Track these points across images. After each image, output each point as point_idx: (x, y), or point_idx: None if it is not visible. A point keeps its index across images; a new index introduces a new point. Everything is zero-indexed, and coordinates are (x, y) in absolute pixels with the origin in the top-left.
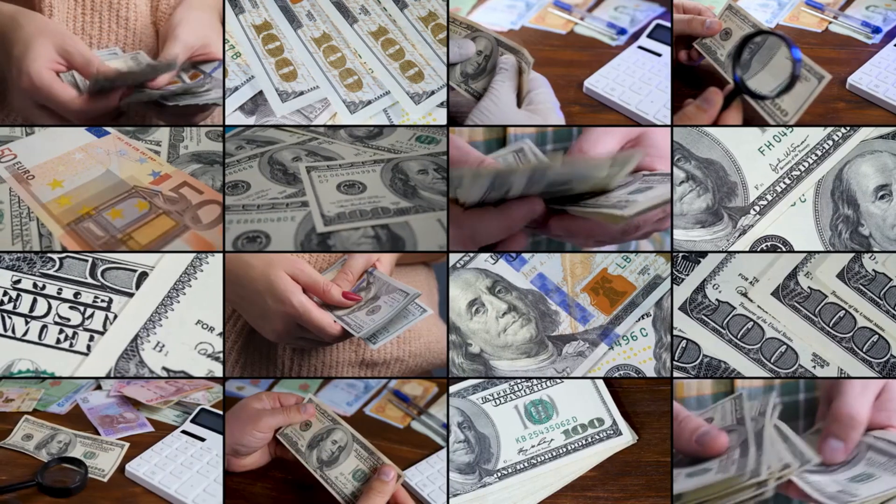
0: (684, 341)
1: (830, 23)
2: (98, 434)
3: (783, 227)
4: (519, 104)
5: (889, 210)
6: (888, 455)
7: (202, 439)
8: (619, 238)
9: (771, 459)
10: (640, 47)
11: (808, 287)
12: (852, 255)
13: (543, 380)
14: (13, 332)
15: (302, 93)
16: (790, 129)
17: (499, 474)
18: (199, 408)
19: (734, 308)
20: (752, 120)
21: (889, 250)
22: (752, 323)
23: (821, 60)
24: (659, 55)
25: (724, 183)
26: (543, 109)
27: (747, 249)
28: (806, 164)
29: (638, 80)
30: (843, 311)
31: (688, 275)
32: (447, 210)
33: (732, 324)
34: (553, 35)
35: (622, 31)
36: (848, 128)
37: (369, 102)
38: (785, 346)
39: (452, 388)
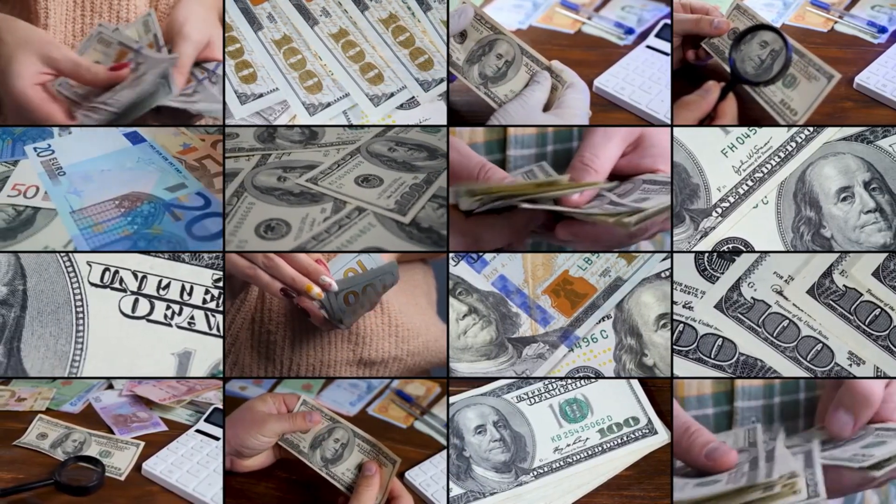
0: (720, 339)
1: (836, 22)
2: (112, 433)
3: (745, 230)
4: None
5: (851, 212)
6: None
7: (217, 438)
8: (626, 242)
9: (781, 468)
10: (649, 46)
11: (844, 285)
12: (886, 254)
13: (578, 378)
14: (218, 330)
15: (261, 95)
16: (753, 130)
17: (535, 473)
18: (212, 407)
19: (769, 306)
20: (762, 120)
21: (852, 250)
22: (787, 321)
23: (827, 60)
24: (667, 54)
25: (687, 185)
26: (568, 114)
27: (709, 251)
28: (769, 166)
29: (647, 79)
30: (879, 310)
31: (723, 273)
32: (447, 214)
33: (768, 322)
34: (560, 35)
35: (630, 31)
36: (811, 129)
37: (329, 104)
38: (821, 345)
39: (486, 388)
